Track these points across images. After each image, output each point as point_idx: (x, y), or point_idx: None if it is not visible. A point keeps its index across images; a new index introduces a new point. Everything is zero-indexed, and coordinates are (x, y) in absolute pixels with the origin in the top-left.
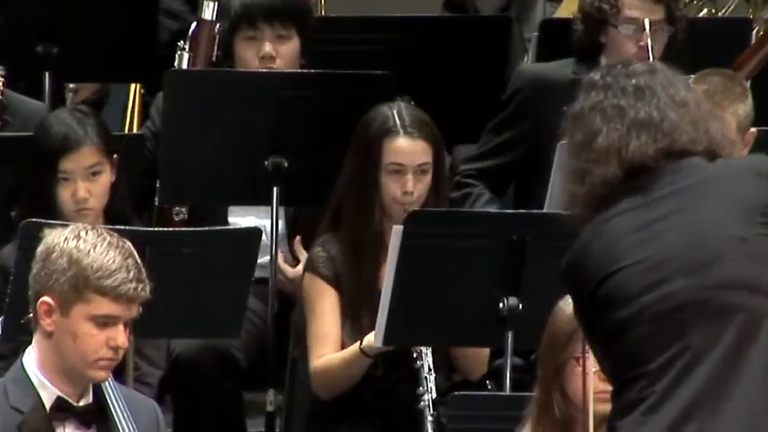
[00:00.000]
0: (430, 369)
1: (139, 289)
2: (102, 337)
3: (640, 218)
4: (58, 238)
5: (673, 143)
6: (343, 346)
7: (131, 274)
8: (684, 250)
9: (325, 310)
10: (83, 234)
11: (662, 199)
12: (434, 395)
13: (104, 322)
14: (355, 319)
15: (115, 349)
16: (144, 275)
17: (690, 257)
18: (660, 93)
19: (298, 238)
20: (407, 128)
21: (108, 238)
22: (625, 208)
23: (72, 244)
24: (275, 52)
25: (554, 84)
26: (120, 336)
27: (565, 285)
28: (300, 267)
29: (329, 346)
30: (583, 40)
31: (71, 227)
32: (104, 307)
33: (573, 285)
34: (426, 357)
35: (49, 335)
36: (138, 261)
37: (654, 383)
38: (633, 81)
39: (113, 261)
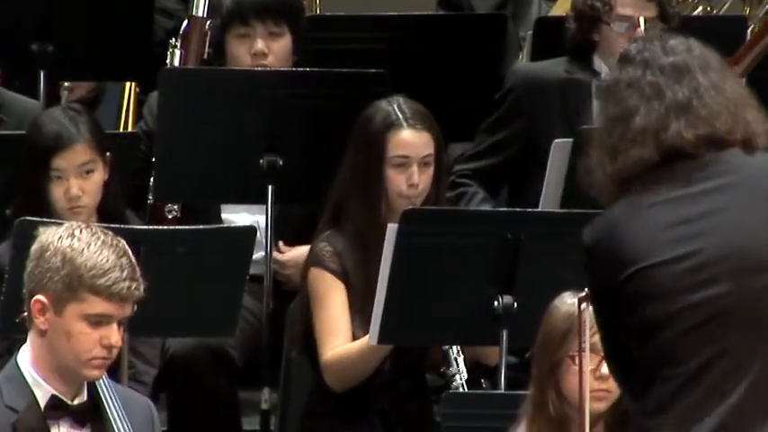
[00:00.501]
0: (458, 351)
1: (133, 288)
2: (96, 336)
3: (682, 211)
4: (52, 237)
5: (712, 131)
6: (354, 340)
7: (125, 273)
8: (730, 254)
9: (336, 303)
10: (77, 233)
11: (705, 194)
12: (465, 376)
13: (98, 321)
14: (364, 314)
15: (109, 348)
16: (138, 274)
17: (736, 262)
18: (698, 74)
19: (280, 243)
20: (410, 120)
21: (102, 237)
22: (666, 197)
23: (66, 242)
24: (267, 49)
25: (547, 82)
26: (114, 335)
27: (587, 262)
28: (290, 252)
29: (341, 338)
30: (576, 39)
31: (65, 225)
32: (98, 306)
33: (598, 267)
34: None
35: (42, 333)
36: (133, 260)
37: (691, 385)
38: (671, 59)
39: (107, 260)
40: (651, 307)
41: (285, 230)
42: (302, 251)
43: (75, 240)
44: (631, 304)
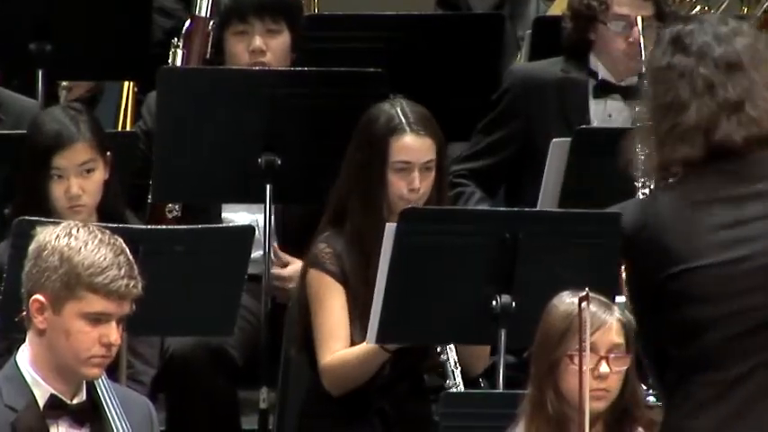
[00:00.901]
0: (455, 362)
1: (131, 286)
2: (95, 335)
3: (732, 213)
4: (49, 236)
5: (761, 132)
6: (352, 345)
7: (123, 271)
8: None
9: (335, 305)
10: (74, 231)
11: (756, 197)
12: (462, 387)
13: (96, 319)
14: (364, 318)
15: (108, 346)
16: (136, 272)
17: None
18: (749, 70)
19: (275, 245)
20: (413, 125)
21: (99, 236)
22: (714, 197)
23: (63, 241)
24: (265, 46)
25: (543, 82)
26: (113, 333)
27: (627, 250)
28: (291, 266)
29: (340, 342)
30: (572, 38)
31: (63, 224)
32: (96, 304)
33: (641, 257)
34: (450, 351)
35: (41, 333)
36: (130, 258)
37: (731, 393)
38: (724, 50)
39: (105, 258)
40: (696, 308)
41: (286, 230)
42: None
43: (73, 239)
44: (675, 302)
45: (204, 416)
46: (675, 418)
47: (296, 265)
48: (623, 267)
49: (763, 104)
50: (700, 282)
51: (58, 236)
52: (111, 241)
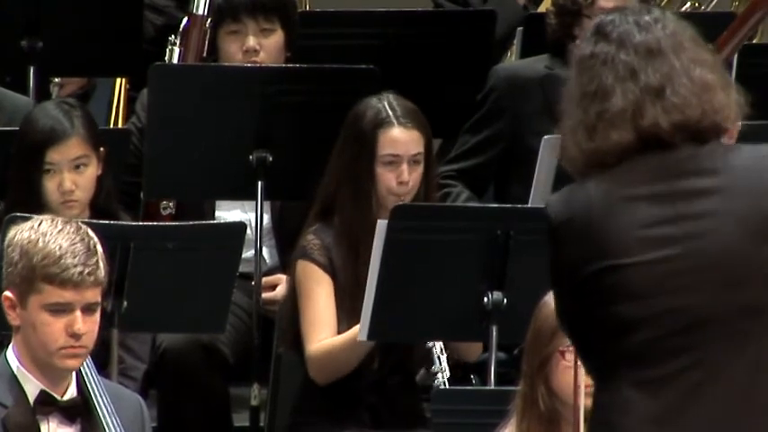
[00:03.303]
0: (442, 349)
1: (86, 273)
2: (60, 326)
3: (664, 210)
4: (14, 232)
5: (684, 119)
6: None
7: (77, 259)
8: (712, 263)
9: (322, 295)
10: (36, 225)
11: (688, 196)
12: (448, 374)
13: (58, 310)
14: (352, 312)
15: (75, 336)
16: (94, 260)
17: (718, 272)
18: (671, 57)
19: (264, 280)
20: (401, 118)
21: (60, 227)
22: (645, 192)
23: (25, 236)
24: (259, 46)
25: (528, 80)
26: (77, 322)
27: (553, 237)
28: (281, 287)
29: (326, 331)
30: (557, 34)
31: (31, 219)
32: (54, 295)
33: (567, 246)
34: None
35: (17, 329)
36: (91, 245)
37: (662, 392)
38: (644, 37)
39: (59, 248)
40: (625, 306)
41: (283, 230)
42: None
43: (33, 233)
44: (602, 299)
45: (195, 412)
46: (605, 414)
47: (284, 288)
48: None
49: (684, 91)
50: (628, 280)
51: (21, 230)
52: (70, 230)
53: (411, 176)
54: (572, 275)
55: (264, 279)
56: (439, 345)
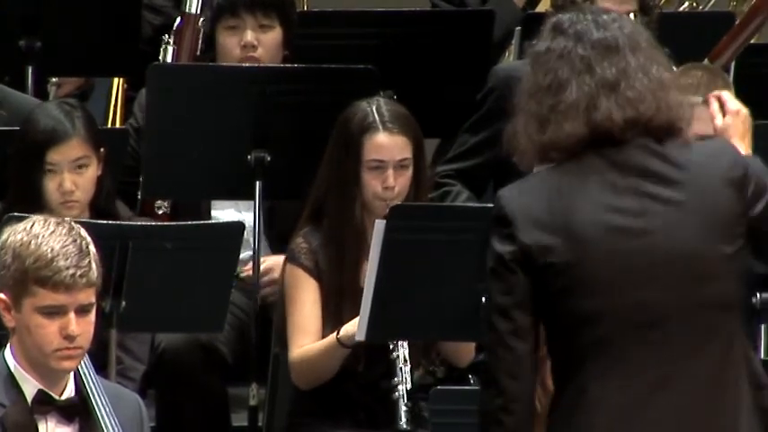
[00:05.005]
0: (406, 360)
1: (77, 275)
2: (54, 328)
3: (623, 203)
4: (7, 234)
5: (637, 115)
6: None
7: (69, 261)
8: (674, 259)
9: (306, 301)
10: (28, 227)
11: (646, 192)
12: (409, 386)
13: (52, 312)
14: (337, 316)
15: (70, 338)
16: (87, 261)
17: (681, 269)
18: (627, 54)
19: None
20: (386, 123)
21: (52, 228)
22: (597, 188)
23: (17, 237)
24: (257, 41)
25: None
26: (71, 324)
27: (506, 228)
28: (272, 260)
29: (309, 337)
30: None
31: (25, 220)
32: (47, 297)
33: (522, 235)
34: (402, 348)
35: (13, 331)
36: (84, 246)
37: (625, 387)
38: (602, 34)
39: (51, 250)
40: (587, 299)
41: (273, 230)
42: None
43: (25, 235)
44: (564, 289)
45: (194, 412)
46: (566, 413)
47: (277, 259)
48: (488, 262)
49: (639, 86)
50: (590, 272)
51: (14, 232)
52: (62, 232)
53: (397, 181)
54: (532, 264)
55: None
56: (402, 355)
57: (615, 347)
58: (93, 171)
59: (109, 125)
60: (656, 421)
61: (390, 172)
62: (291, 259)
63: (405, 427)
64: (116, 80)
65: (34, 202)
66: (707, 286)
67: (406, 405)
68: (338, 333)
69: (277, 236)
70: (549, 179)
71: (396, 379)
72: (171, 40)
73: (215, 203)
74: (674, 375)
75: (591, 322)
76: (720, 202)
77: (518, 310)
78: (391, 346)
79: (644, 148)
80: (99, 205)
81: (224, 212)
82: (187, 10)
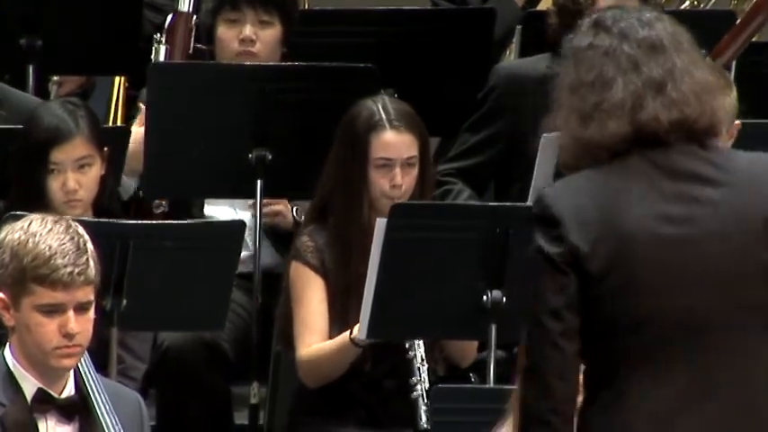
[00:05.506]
0: (422, 359)
1: (75, 273)
2: (53, 326)
3: (666, 212)
4: (5, 233)
5: (683, 117)
6: (330, 339)
7: (67, 259)
8: (719, 267)
9: (313, 299)
10: (26, 225)
11: (689, 201)
12: (427, 385)
13: (51, 311)
14: (343, 314)
15: (69, 336)
16: (85, 258)
17: (724, 276)
18: (672, 54)
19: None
20: (394, 122)
21: (50, 226)
22: (646, 192)
23: (15, 236)
24: (255, 36)
25: (528, 79)
26: (70, 322)
27: (554, 229)
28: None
29: (317, 335)
30: (558, 33)
31: (23, 219)
32: (45, 296)
33: (572, 238)
34: (418, 348)
35: (12, 330)
36: (82, 244)
37: (666, 392)
38: (648, 33)
39: (48, 248)
40: (633, 303)
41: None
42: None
43: (23, 233)
44: (605, 295)
45: (197, 410)
46: (602, 417)
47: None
48: (534, 261)
49: (685, 88)
50: (637, 275)
51: (13, 230)
52: (60, 230)
53: (404, 179)
54: (580, 266)
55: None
56: (419, 354)
57: (658, 353)
58: (96, 170)
59: (110, 123)
60: (698, 428)
61: (397, 170)
62: (297, 257)
63: (425, 426)
64: (117, 79)
65: (37, 201)
66: (751, 293)
67: (425, 404)
68: (351, 333)
69: (273, 235)
70: (594, 180)
71: (414, 378)
72: (162, 39)
73: (209, 201)
74: (717, 382)
75: (635, 327)
76: (765, 208)
77: (568, 310)
78: (407, 345)
79: (688, 152)
80: (102, 204)
81: (219, 209)
82: (180, 8)
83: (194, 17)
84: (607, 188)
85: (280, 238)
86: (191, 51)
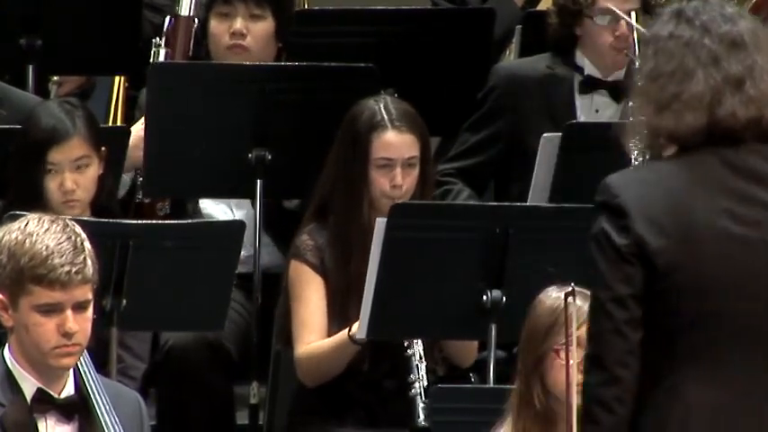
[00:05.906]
0: (421, 357)
1: (73, 272)
2: (52, 326)
3: (735, 212)
4: (2, 233)
5: (759, 115)
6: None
7: (64, 259)
8: None
9: (312, 297)
10: (23, 225)
11: (759, 204)
12: (425, 383)
13: (49, 310)
14: (343, 314)
15: (68, 335)
16: (82, 257)
17: None
18: (753, 52)
19: None
20: (395, 122)
21: (47, 226)
22: (716, 191)
23: (12, 236)
24: (246, 30)
25: (528, 79)
26: (68, 321)
27: (618, 218)
28: None
29: (316, 334)
30: (558, 33)
31: (20, 219)
32: (43, 296)
33: (638, 227)
34: (417, 345)
35: (11, 330)
36: (79, 243)
37: (725, 392)
38: (729, 28)
39: (45, 248)
40: (693, 302)
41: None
42: None
43: (20, 233)
44: (668, 291)
45: (199, 410)
46: (656, 414)
47: None
48: (599, 248)
49: (763, 87)
50: (697, 277)
51: (10, 231)
52: (57, 229)
53: (405, 180)
54: (646, 258)
55: None
56: (417, 352)
57: (716, 352)
58: (94, 170)
59: (110, 123)
60: (758, 429)
61: (398, 170)
62: (296, 256)
63: (423, 423)
64: (117, 79)
65: (35, 201)
66: None
67: (423, 402)
68: (350, 330)
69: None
70: (663, 172)
71: (412, 376)
72: (162, 43)
73: (206, 201)
74: (760, 382)
75: (696, 325)
76: None
77: (633, 300)
78: (406, 344)
79: (759, 152)
80: (100, 204)
81: (217, 208)
82: (180, 12)
83: (195, 21)
84: (675, 182)
85: (281, 237)
86: (190, 55)
